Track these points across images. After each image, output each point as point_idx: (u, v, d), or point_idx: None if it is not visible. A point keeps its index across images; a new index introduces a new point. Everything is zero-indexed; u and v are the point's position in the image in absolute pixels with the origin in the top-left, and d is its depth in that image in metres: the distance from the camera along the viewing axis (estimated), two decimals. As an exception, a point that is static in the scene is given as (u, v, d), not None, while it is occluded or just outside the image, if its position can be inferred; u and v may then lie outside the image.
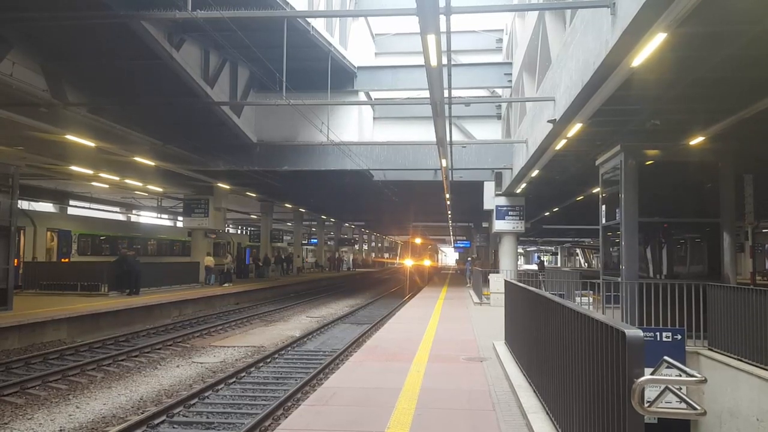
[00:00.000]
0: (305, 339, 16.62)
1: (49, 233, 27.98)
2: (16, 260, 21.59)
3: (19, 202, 20.21)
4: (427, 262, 63.25)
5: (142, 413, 8.88)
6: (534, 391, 6.79)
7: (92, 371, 12.05)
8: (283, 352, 14.33)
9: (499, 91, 29.17)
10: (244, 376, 11.65)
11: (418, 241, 68.66)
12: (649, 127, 11.85)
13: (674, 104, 10.63)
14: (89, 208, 39.24)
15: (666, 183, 12.26)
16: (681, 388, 3.46)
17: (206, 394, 10.03)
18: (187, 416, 8.87)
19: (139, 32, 13.88)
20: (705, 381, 3.38)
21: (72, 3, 12.62)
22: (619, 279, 11.35)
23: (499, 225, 25.41)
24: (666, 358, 3.48)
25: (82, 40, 15.25)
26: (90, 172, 23.51)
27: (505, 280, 12.35)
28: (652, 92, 9.85)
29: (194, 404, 9.46)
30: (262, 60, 16.84)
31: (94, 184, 29.38)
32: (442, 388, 7.73)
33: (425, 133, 24.45)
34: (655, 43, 7.03)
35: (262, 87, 22.09)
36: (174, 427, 8.33)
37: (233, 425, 8.40)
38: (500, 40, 31.87)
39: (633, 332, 3.31)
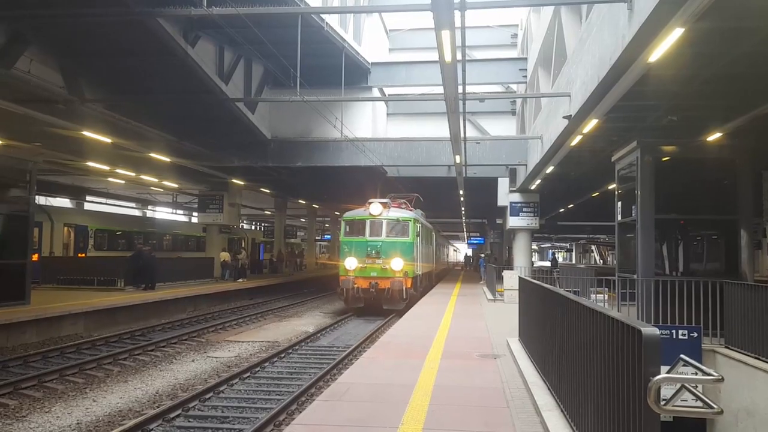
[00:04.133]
0: (318, 334, 16.69)
1: (66, 228, 28.30)
2: (36, 255, 21.92)
3: (37, 197, 20.47)
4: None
5: (158, 407, 8.97)
6: (548, 389, 6.77)
7: (109, 365, 12.19)
8: (296, 347, 14.40)
9: (514, 87, 29.03)
10: (258, 370, 11.73)
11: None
12: (666, 123, 11.75)
13: (691, 100, 10.53)
14: (105, 204, 39.62)
15: (683, 179, 12.15)
16: (697, 387, 3.44)
17: (221, 389, 10.11)
18: (202, 410, 8.95)
19: (154, 29, 13.96)
20: (722, 379, 3.35)
21: (89, 0, 12.72)
22: (635, 276, 11.27)
23: (513, 221, 25.30)
24: (682, 356, 3.46)
25: (98, 37, 15.36)
26: (106, 168, 23.72)
27: (519, 277, 12.30)
28: (668, 88, 9.76)
29: (209, 398, 9.53)
30: (276, 56, 16.88)
31: (110, 179, 29.65)
32: (455, 385, 7.73)
33: (439, 129, 24.36)
34: (672, 38, 6.96)
35: (277, 83, 22.14)
36: (189, 421, 8.40)
37: (248, 419, 8.45)
38: (515, 36, 31.72)
39: (649, 330, 3.29)
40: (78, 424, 8.38)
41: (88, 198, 38.10)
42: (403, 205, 23.43)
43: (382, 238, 20.76)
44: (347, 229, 21.46)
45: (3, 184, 16.32)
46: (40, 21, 13.84)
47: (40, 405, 9.27)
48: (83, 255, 28.81)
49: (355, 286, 20.30)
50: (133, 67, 17.81)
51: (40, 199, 29.48)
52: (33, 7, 12.97)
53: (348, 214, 21.73)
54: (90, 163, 22.56)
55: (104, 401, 9.59)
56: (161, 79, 18.81)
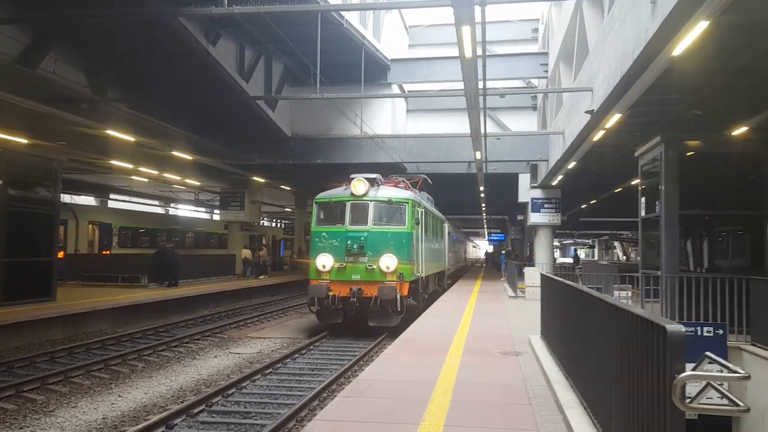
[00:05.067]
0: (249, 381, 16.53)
1: (90, 226, 28.71)
2: (62, 252, 22.28)
3: (62, 195, 20.79)
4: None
5: (182, 402, 9.07)
6: (571, 386, 6.72)
7: (133, 361, 12.36)
8: (317, 343, 14.46)
9: (535, 82, 28.84)
10: (279, 366, 11.80)
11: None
12: (690, 117, 11.58)
13: (716, 94, 10.36)
14: (129, 202, 40.12)
15: (707, 174, 11.97)
16: (723, 384, 3.40)
17: (243, 384, 10.19)
18: (225, 405, 9.03)
19: (176, 28, 14.10)
20: (748, 377, 3.30)
21: (111, 1, 12.89)
22: (659, 273, 11.14)
23: (534, 218, 25.13)
24: (708, 353, 3.42)
25: (121, 37, 15.55)
26: (130, 166, 24.01)
27: (541, 274, 12.23)
28: (693, 82, 9.62)
29: (232, 394, 9.62)
30: (296, 54, 16.95)
31: (133, 177, 30.02)
32: (477, 382, 7.71)
33: (459, 125, 24.29)
34: (696, 31, 6.86)
35: (296, 81, 22.24)
36: (213, 416, 8.49)
37: (270, 415, 8.52)
38: (536, 30, 31.49)
39: (674, 327, 3.26)
40: (104, 419, 8.51)
41: (111, 196, 38.60)
42: (401, 184, 17.97)
43: (368, 227, 15.09)
44: (321, 215, 15.88)
45: (29, 182, 16.60)
46: (63, 22, 14.05)
47: (66, 400, 9.43)
48: (107, 252, 29.21)
49: (331, 294, 14.77)
50: (156, 66, 18.01)
51: (65, 197, 29.94)
52: (56, 8, 13.17)
53: (322, 195, 16.14)
54: (114, 162, 22.86)
55: (129, 396, 9.73)
56: (183, 78, 19.01)
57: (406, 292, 15.06)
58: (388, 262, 14.79)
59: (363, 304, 14.72)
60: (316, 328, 16.20)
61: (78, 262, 24.12)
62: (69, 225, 26.33)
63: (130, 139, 18.24)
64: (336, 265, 15.08)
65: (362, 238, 14.96)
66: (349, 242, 14.98)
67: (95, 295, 18.45)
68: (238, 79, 17.98)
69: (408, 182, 18.68)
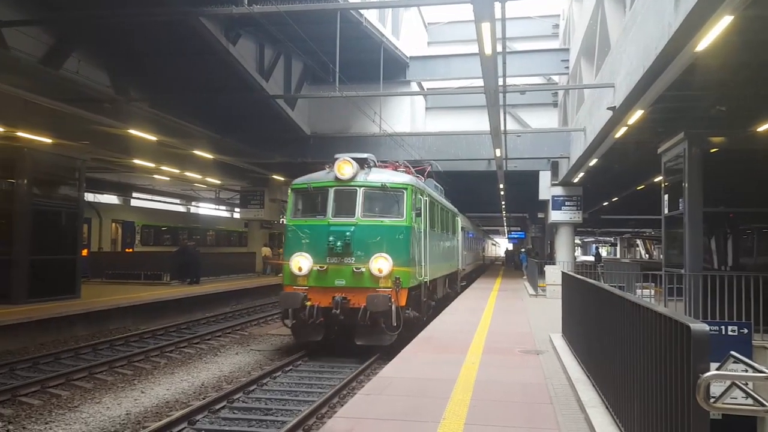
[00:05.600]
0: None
1: (113, 224, 29.11)
2: (86, 250, 22.61)
3: (86, 194, 21.10)
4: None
5: (204, 399, 9.16)
6: (593, 385, 6.67)
7: (156, 357, 12.50)
8: (291, 365, 14.26)
9: (556, 78, 28.63)
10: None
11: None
12: (714, 113, 11.41)
13: (741, 89, 10.20)
14: (151, 200, 40.59)
15: (732, 171, 11.77)
16: (748, 384, 3.35)
17: (264, 381, 10.25)
18: (246, 402, 9.10)
19: (197, 28, 14.23)
20: (775, 377, 3.25)
21: (133, 1, 13.04)
22: (682, 271, 10.99)
23: (555, 215, 24.95)
24: (732, 352, 3.38)
25: (143, 37, 15.74)
26: (152, 165, 24.29)
27: (562, 272, 12.15)
28: (717, 77, 9.48)
29: (253, 390, 9.69)
30: (315, 53, 17.02)
31: (155, 176, 30.36)
32: (497, 381, 7.68)
33: (479, 122, 24.20)
34: (720, 26, 6.76)
35: (316, 79, 22.33)
36: (234, 413, 8.55)
37: (290, 412, 8.56)
38: (556, 26, 31.26)
39: (698, 326, 3.21)
40: (127, 414, 8.62)
41: (134, 194, 39.08)
42: (401, 168, 14.90)
43: (356, 220, 12.11)
44: (297, 205, 12.98)
45: (54, 181, 16.87)
46: (86, 23, 14.26)
47: (90, 396, 9.56)
48: (130, 250, 29.58)
49: (308, 305, 11.85)
50: (177, 66, 18.20)
51: (89, 196, 30.37)
52: (78, 9, 13.36)
53: (299, 180, 13.23)
54: (136, 161, 23.14)
55: (152, 392, 9.85)
56: (204, 77, 19.18)
57: (403, 302, 11.95)
58: (381, 264, 11.71)
59: (349, 317, 11.68)
60: (292, 347, 13.47)
61: (101, 259, 24.46)
62: (93, 223, 26.71)
63: (152, 138, 18.44)
64: (315, 268, 11.99)
65: (348, 234, 11.89)
66: (331, 239, 11.87)
67: (118, 292, 18.69)
68: (258, 78, 18.09)
69: (411, 167, 15.77)
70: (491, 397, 6.83)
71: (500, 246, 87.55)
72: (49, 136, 15.82)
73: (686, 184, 10.98)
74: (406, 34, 26.30)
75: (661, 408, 3.74)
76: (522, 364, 8.79)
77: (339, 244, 11.84)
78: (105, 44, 16.61)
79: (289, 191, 13.22)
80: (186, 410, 8.18)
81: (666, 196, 12.61)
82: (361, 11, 17.64)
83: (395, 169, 14.39)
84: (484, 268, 45.59)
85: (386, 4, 20.91)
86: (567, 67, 24.40)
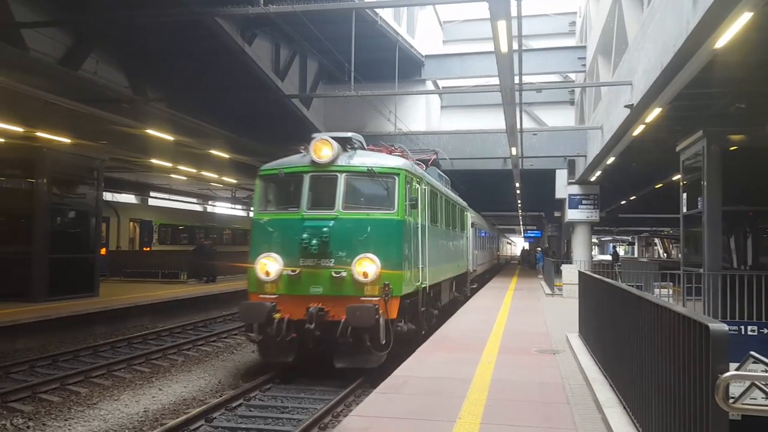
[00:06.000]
0: None
1: (131, 223, 29.38)
2: (104, 249, 22.86)
3: (104, 193, 21.34)
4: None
5: (221, 396, 9.22)
6: (610, 385, 6.62)
7: (173, 355, 12.60)
8: (254, 392, 14.25)
9: (573, 76, 28.43)
10: (269, 388, 11.73)
11: None
12: (734, 111, 11.28)
13: (760, 87, 10.07)
14: (168, 199, 40.92)
15: (752, 169, 11.62)
16: (768, 385, 3.31)
17: (280, 379, 10.29)
18: (263, 400, 9.14)
19: (213, 29, 14.32)
20: (795, 378, 3.21)
21: (151, 1, 13.16)
22: (701, 270, 10.88)
23: (572, 214, 24.80)
24: (752, 353, 3.34)
25: (160, 37, 15.87)
26: (169, 164, 24.48)
27: (579, 271, 12.07)
28: (736, 75, 9.37)
29: (269, 389, 9.73)
30: (331, 52, 17.06)
31: (172, 176, 30.59)
32: (513, 380, 7.65)
33: (494, 120, 24.12)
34: (740, 23, 6.67)
35: (331, 78, 22.37)
36: (251, 410, 8.60)
37: (306, 410, 8.59)
38: (573, 24, 31.06)
39: (717, 326, 3.18)
40: (145, 411, 8.70)
41: (151, 194, 39.42)
42: (397, 152, 12.83)
43: (336, 213, 9.97)
44: (266, 196, 10.98)
45: (72, 181, 17.08)
46: (103, 23, 14.41)
47: (109, 393, 9.67)
48: (148, 249, 29.85)
49: (278, 317, 9.64)
50: (194, 66, 18.33)
51: (107, 195, 30.68)
52: (96, 10, 13.51)
53: (270, 165, 11.12)
54: (153, 160, 23.34)
55: (169, 390, 9.93)
56: (220, 78, 19.29)
57: (394, 313, 9.73)
58: (367, 266, 9.56)
59: (326, 333, 9.51)
60: (257, 369, 11.18)
61: (119, 258, 24.71)
62: (111, 222, 26.98)
63: (170, 138, 18.59)
64: (286, 272, 9.87)
65: (326, 230, 9.72)
66: (305, 236, 9.67)
67: (136, 290, 18.87)
68: (274, 77, 18.16)
69: (408, 152, 13.82)
70: (507, 397, 6.80)
71: (516, 245, 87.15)
72: (67, 136, 16.01)
73: (705, 183, 10.85)
74: (421, 33, 26.26)
75: (680, 408, 3.71)
76: (538, 364, 8.75)
77: (315, 242, 9.61)
78: (122, 45, 16.78)
79: (257, 179, 10.99)
80: (203, 407, 8.24)
81: (684, 195, 12.48)
82: (377, 10, 17.65)
83: (390, 152, 12.38)
84: (499, 268, 44.56)
85: (401, 2, 20.91)
86: (584, 65, 24.24)
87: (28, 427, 7.93)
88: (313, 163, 10.22)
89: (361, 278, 9.59)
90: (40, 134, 15.30)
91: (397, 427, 5.79)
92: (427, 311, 12.39)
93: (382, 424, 5.87)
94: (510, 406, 6.42)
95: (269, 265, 9.91)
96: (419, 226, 11.27)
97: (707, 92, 10.49)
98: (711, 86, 10.01)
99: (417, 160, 13.85)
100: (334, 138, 10.29)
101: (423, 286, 11.47)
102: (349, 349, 9.57)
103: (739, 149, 11.23)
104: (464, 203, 20.26)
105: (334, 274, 9.71)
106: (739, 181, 11.28)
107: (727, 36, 7.08)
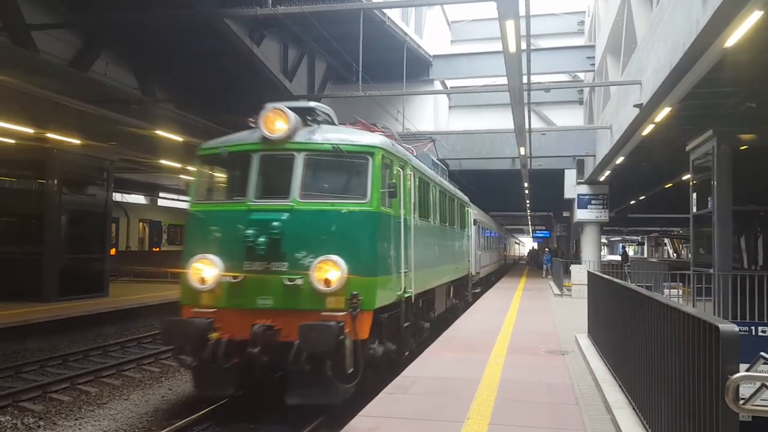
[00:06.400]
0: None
1: (141, 224, 29.52)
2: (114, 250, 22.98)
3: (114, 194, 21.45)
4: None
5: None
6: (619, 386, 6.60)
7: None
8: None
9: (581, 76, 28.34)
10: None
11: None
12: (744, 110, 11.20)
13: (772, 86, 9.99)
14: (178, 200, 41.06)
15: (762, 169, 11.54)
16: (779, 386, 3.28)
17: (220, 416, 10.14)
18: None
19: (222, 30, 14.36)
20: (807, 379, 3.18)
21: (159, 3, 13.22)
22: (711, 270, 10.81)
23: (581, 214, 24.71)
24: (762, 353, 3.31)
25: (169, 39, 15.95)
26: (178, 165, 24.55)
27: (588, 272, 12.03)
28: (746, 74, 9.30)
29: (206, 429, 9.61)
30: (339, 52, 17.08)
31: (182, 176, 30.68)
32: (522, 381, 7.63)
33: (502, 120, 24.06)
34: (750, 21, 6.63)
35: (339, 79, 22.38)
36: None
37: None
38: (582, 23, 30.96)
39: (727, 326, 3.16)
40: (155, 411, 8.74)
41: (161, 194, 39.55)
42: (378, 131, 10.00)
43: (291, 203, 7.75)
44: (206, 182, 9.10)
45: (82, 182, 17.18)
46: (113, 25, 14.50)
47: (119, 393, 9.72)
48: (157, 249, 29.97)
49: (214, 337, 7.41)
50: (202, 67, 18.41)
51: (117, 196, 30.83)
52: (106, 12, 13.59)
53: (211, 143, 8.81)
54: (163, 161, 23.42)
55: (179, 389, 9.97)
56: (229, 78, 19.35)
57: (365, 332, 7.48)
58: (329, 272, 7.33)
59: (277, 358, 7.19)
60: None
61: (129, 258, 24.82)
62: (120, 223, 27.12)
63: (179, 138, 18.65)
64: (227, 280, 7.64)
65: (278, 225, 7.46)
66: (251, 232, 7.40)
67: (145, 291, 18.96)
68: (282, 78, 18.20)
69: (393, 131, 11.44)
70: (516, 397, 6.78)
71: (525, 245, 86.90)
72: (77, 137, 16.10)
73: (715, 182, 10.80)
74: (429, 33, 26.25)
75: (689, 409, 3.69)
76: (547, 364, 8.72)
77: (262, 240, 7.32)
78: (132, 47, 16.87)
79: (195, 161, 8.84)
80: (212, 406, 8.26)
81: (694, 195, 12.42)
82: (385, 10, 17.66)
83: (370, 130, 9.86)
84: (507, 269, 43.00)
85: (409, 3, 20.90)
86: (593, 64, 24.16)
87: (38, 427, 7.98)
88: (264, 139, 7.98)
89: (321, 287, 7.27)
90: (50, 135, 15.40)
91: (405, 428, 5.78)
92: (415, 324, 10.23)
93: (389, 424, 5.86)
94: (519, 407, 6.40)
95: (205, 271, 7.67)
96: (402, 220, 8.91)
97: (717, 91, 10.42)
98: (721, 85, 9.94)
99: (414, 146, 12.05)
100: (291, 108, 8.07)
101: (407, 295, 9.13)
102: (305, 381, 7.17)
103: (749, 149, 11.17)
104: (466, 198, 18.28)
105: (288, 282, 7.39)
106: (750, 181, 11.22)
107: (737, 35, 7.04)
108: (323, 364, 7.05)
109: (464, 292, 17.74)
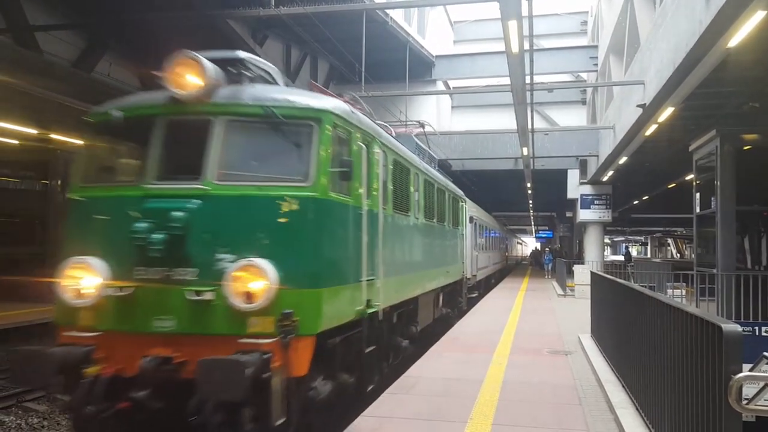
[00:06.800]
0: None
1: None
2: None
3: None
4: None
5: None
6: (622, 386, 6.60)
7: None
8: None
9: (584, 76, 28.33)
10: None
11: None
12: (747, 110, 11.18)
13: (775, 86, 9.98)
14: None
15: (766, 169, 11.52)
16: (782, 386, 3.28)
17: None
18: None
19: (225, 30, 14.38)
20: (810, 379, 3.17)
21: (163, 4, 13.25)
22: (715, 271, 10.80)
23: (584, 214, 24.69)
24: (765, 353, 3.31)
25: (171, 40, 15.93)
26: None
27: (591, 272, 12.03)
28: (749, 74, 9.30)
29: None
30: (341, 52, 17.11)
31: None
32: (525, 381, 7.63)
33: (505, 120, 24.08)
34: (753, 21, 6.63)
35: (342, 79, 22.41)
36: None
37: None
38: (585, 23, 30.96)
39: (730, 327, 3.17)
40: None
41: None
42: (347, 101, 7.38)
43: (204, 186, 5.29)
44: (92, 159, 6.20)
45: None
46: (116, 26, 14.53)
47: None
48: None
49: (93, 372, 5.01)
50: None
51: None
52: (109, 13, 13.63)
53: (104, 108, 6.20)
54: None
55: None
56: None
57: (302, 367, 5.19)
58: (251, 282, 5.07)
59: (178, 402, 4.98)
60: None
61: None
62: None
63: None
64: (112, 292, 5.31)
65: (182, 216, 5.18)
66: (143, 227, 5.11)
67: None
68: (285, 79, 18.24)
69: (366, 107, 8.78)
70: (519, 398, 6.78)
71: (528, 246, 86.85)
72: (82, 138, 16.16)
73: (718, 182, 10.78)
74: (431, 33, 26.26)
75: (693, 410, 3.69)
76: (550, 365, 8.71)
77: (159, 238, 5.08)
78: (135, 47, 16.90)
79: (83, 132, 6.48)
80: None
81: (698, 195, 12.40)
82: (387, 11, 17.67)
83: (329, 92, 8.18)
84: (509, 270, 41.58)
85: (412, 3, 20.91)
86: (596, 65, 24.15)
87: (42, 427, 8.01)
88: (172, 100, 5.73)
89: (240, 303, 5.05)
90: (54, 136, 15.45)
91: (408, 428, 5.78)
92: (390, 344, 8.46)
93: (392, 424, 5.86)
94: (522, 407, 6.40)
95: (84, 280, 5.44)
96: (364, 212, 6.54)
97: (720, 91, 10.40)
98: (724, 85, 9.93)
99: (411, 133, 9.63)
100: (212, 60, 5.85)
101: (372, 310, 6.82)
102: None
103: (752, 148, 11.15)
104: (460, 192, 16.06)
105: (195, 297, 5.14)
106: (753, 181, 11.19)
107: (740, 35, 7.04)
108: (239, 414, 4.85)
109: (458, 299, 15.64)
